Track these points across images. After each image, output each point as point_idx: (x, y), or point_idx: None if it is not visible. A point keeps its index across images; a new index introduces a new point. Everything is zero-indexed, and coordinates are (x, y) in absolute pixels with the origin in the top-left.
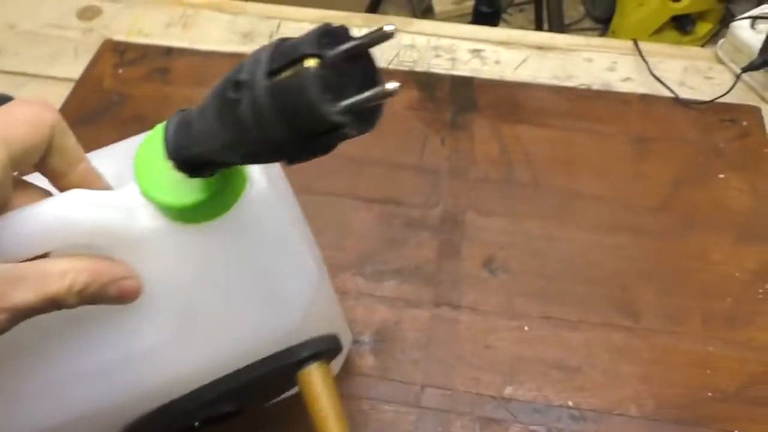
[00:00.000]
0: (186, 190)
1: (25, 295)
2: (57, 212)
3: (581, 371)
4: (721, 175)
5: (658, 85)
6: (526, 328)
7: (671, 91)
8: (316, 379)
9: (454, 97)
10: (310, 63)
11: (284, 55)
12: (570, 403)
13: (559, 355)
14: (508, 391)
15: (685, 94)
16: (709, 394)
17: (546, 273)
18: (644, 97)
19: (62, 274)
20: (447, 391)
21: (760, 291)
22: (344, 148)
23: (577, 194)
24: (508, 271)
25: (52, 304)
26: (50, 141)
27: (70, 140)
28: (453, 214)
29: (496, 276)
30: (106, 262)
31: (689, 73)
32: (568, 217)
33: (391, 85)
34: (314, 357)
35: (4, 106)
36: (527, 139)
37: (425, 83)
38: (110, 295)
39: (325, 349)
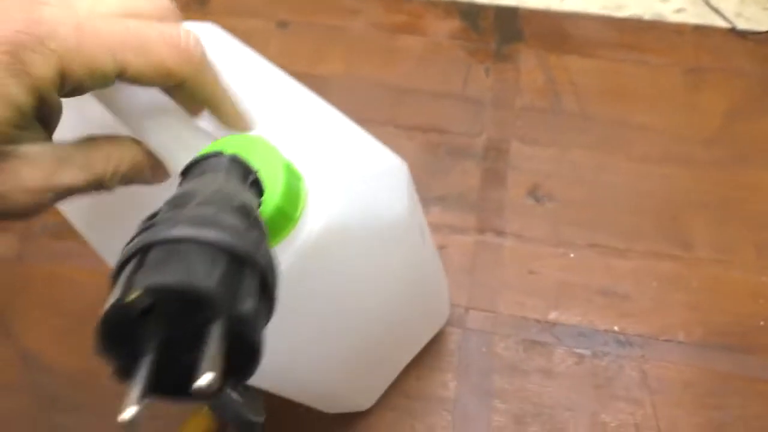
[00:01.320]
0: None
1: (73, 175)
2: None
3: (628, 298)
4: None
5: (714, 15)
6: (571, 255)
7: (728, 21)
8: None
9: (499, 27)
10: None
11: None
12: (616, 328)
13: (605, 282)
14: (553, 315)
15: (742, 25)
16: (762, 323)
17: (593, 202)
18: (698, 28)
19: (108, 158)
20: (491, 314)
21: None
22: (385, 77)
23: (626, 124)
24: (553, 199)
25: (95, 186)
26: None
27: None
28: (497, 142)
29: (541, 204)
30: (143, 149)
31: (746, 3)
32: (616, 147)
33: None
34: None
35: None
36: (575, 69)
37: (468, 12)
38: (145, 178)
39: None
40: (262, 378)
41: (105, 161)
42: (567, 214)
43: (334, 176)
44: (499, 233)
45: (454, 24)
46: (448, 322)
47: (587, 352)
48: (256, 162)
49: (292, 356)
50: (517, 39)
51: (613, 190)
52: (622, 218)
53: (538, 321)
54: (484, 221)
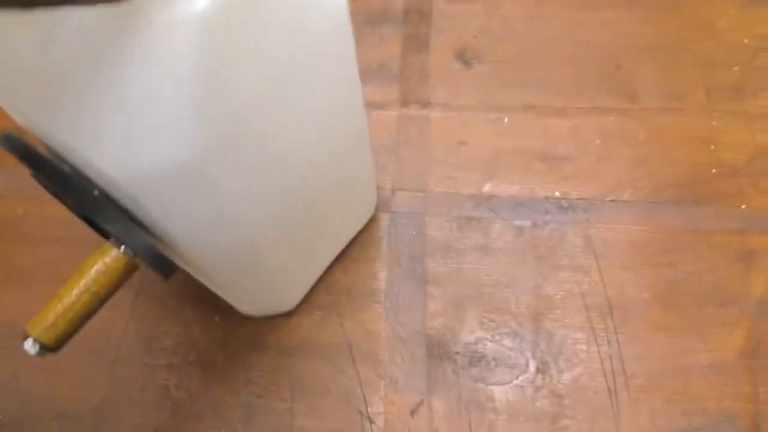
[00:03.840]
0: None
1: None
2: None
3: (569, 159)
4: None
5: None
6: (505, 119)
7: None
8: (108, 263)
9: None
10: None
11: None
12: (557, 194)
13: (543, 145)
14: (488, 187)
15: None
16: (714, 170)
17: (527, 59)
18: None
19: None
20: (420, 193)
21: None
22: None
23: None
24: (483, 60)
25: None
26: None
27: None
28: (418, 3)
29: (470, 67)
30: None
31: None
32: None
33: None
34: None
35: None
36: None
37: None
38: None
39: (152, 256)
40: (173, 201)
41: None
42: (499, 76)
43: None
44: (425, 104)
45: None
46: (375, 209)
47: (527, 223)
48: None
49: (203, 156)
50: None
51: (549, 44)
52: (560, 73)
53: (472, 196)
54: (407, 93)
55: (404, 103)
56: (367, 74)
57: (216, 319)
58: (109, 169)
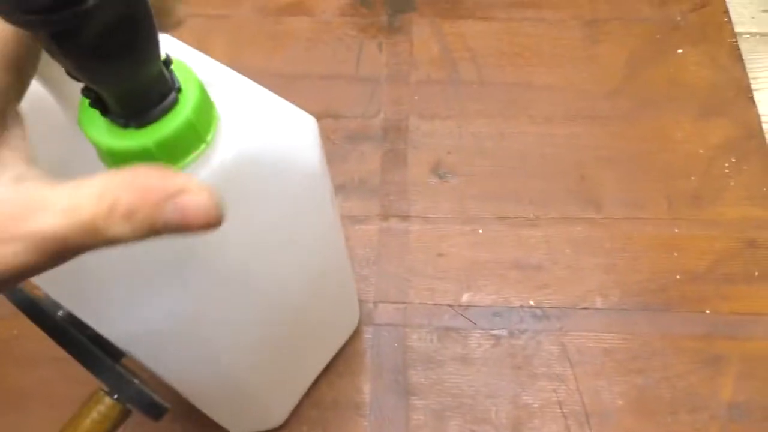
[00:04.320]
0: (126, 136)
1: (51, 220)
2: None
3: (542, 268)
4: (680, 51)
5: None
6: (480, 231)
7: None
8: (103, 411)
9: None
10: None
11: None
12: (531, 303)
13: (517, 254)
14: (465, 297)
15: None
16: (678, 276)
17: (498, 173)
18: None
19: (99, 194)
20: (401, 305)
21: (726, 165)
22: (271, 65)
23: (527, 87)
24: (457, 174)
25: (94, 235)
26: None
27: None
28: (395, 121)
29: (445, 181)
30: (158, 173)
31: None
32: (518, 112)
33: None
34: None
35: None
36: (470, 35)
37: None
38: (170, 218)
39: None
40: (168, 362)
41: (96, 200)
42: (472, 189)
43: (248, 112)
44: (404, 218)
45: (342, 0)
46: (358, 322)
47: (503, 333)
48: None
49: (193, 315)
50: (410, 8)
51: (518, 158)
52: (530, 185)
53: (450, 306)
54: (387, 207)
55: (384, 217)
56: (348, 189)
57: None
58: (102, 330)
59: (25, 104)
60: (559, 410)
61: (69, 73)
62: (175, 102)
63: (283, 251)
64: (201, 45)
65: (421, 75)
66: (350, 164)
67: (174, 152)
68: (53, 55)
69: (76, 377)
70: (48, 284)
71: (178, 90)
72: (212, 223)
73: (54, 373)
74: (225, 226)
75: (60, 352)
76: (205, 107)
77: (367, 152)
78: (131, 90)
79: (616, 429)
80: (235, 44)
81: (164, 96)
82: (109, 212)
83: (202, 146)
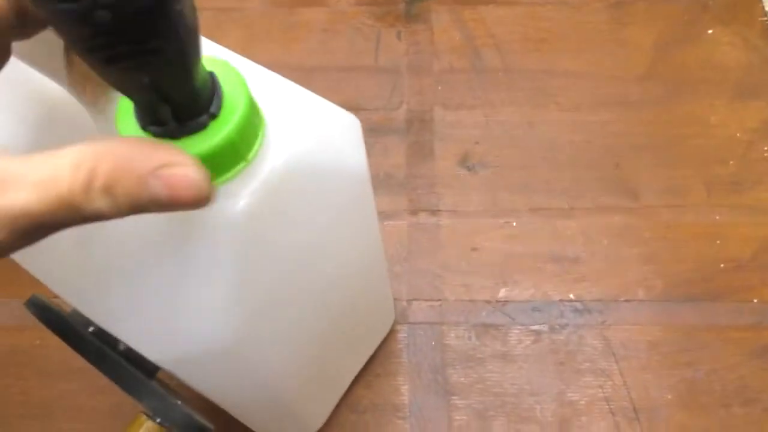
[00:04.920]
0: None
1: (22, 196)
2: None
3: (580, 261)
4: (710, 31)
5: None
6: (514, 224)
7: None
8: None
9: None
10: None
11: None
12: (571, 296)
13: (553, 247)
14: (503, 293)
15: None
16: (722, 265)
17: (529, 163)
18: None
19: (75, 164)
20: (435, 303)
21: (765, 149)
22: (287, 58)
23: (553, 74)
24: (487, 165)
25: (70, 210)
26: None
27: None
28: (419, 113)
29: (475, 173)
30: (140, 144)
31: None
32: (546, 100)
33: None
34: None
35: None
36: (492, 20)
37: None
38: (156, 192)
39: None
40: (209, 373)
41: (71, 171)
42: (503, 180)
43: (295, 118)
44: (434, 212)
45: None
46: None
47: (544, 328)
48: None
49: (241, 335)
50: None
51: (548, 147)
52: (562, 175)
53: (487, 302)
54: (415, 201)
55: (413, 212)
56: (374, 184)
57: None
58: (140, 348)
59: (47, 110)
60: (606, 406)
61: (115, 84)
62: (217, 115)
63: (329, 258)
64: (212, 38)
65: (443, 64)
66: (375, 158)
67: (222, 165)
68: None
69: (101, 388)
70: (75, 298)
71: (221, 100)
72: (203, 199)
73: (77, 384)
74: (275, 237)
75: (83, 363)
76: (251, 124)
77: (391, 146)
78: (177, 90)
79: (667, 424)
80: (248, 38)
81: (204, 107)
82: (86, 184)
83: (239, 165)
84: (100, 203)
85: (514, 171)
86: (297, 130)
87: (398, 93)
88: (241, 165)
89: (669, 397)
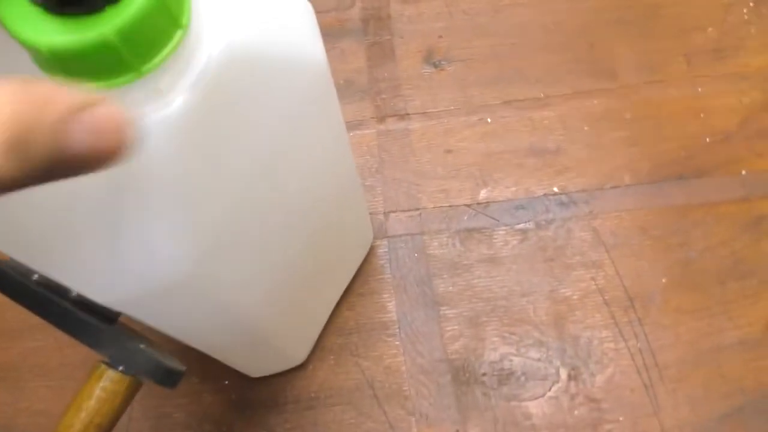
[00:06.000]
0: (72, 27)
1: None
2: None
3: (561, 151)
4: None
5: None
6: (488, 120)
7: None
8: (109, 388)
9: None
10: None
11: None
12: (555, 189)
13: (532, 140)
14: (484, 194)
15: None
16: (708, 139)
17: (498, 52)
18: None
19: None
20: (414, 212)
21: (745, 11)
22: None
23: None
24: (453, 60)
25: None
26: None
27: None
28: (375, 10)
29: (441, 69)
30: (49, 82)
31: None
32: None
33: None
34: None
35: None
36: None
37: None
38: (79, 140)
39: (157, 370)
40: (173, 313)
41: None
42: (472, 74)
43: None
44: (402, 116)
45: None
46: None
47: (530, 226)
48: None
49: (198, 267)
50: None
51: (517, 32)
52: (535, 62)
53: (468, 206)
54: (381, 107)
55: (380, 119)
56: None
57: (226, 382)
58: (92, 294)
59: None
60: (600, 298)
61: None
62: None
63: (292, 170)
64: None
65: None
66: (332, 65)
67: (144, 45)
68: None
69: (68, 342)
70: (12, 247)
71: None
72: (132, 145)
73: (42, 341)
74: (224, 144)
75: None
76: None
77: (348, 49)
78: None
79: (663, 309)
80: None
81: None
82: None
83: (179, 33)
84: (4, 165)
85: (483, 63)
86: (238, 12)
87: None
88: (179, 34)
89: (663, 281)
